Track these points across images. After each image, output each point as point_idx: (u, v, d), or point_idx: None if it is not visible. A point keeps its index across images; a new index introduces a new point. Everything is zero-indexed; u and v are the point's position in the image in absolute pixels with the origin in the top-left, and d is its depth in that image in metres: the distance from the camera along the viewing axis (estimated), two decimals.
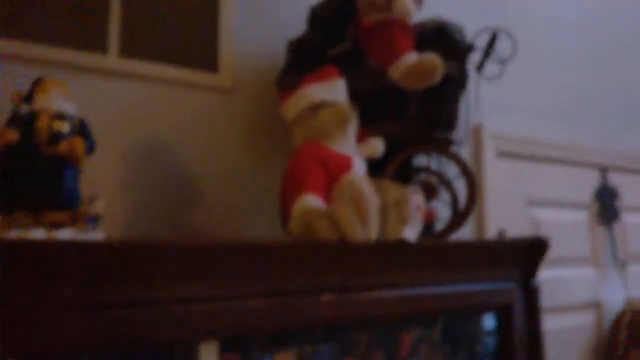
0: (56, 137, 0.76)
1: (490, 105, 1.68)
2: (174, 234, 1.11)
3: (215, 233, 1.16)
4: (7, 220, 0.72)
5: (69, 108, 0.79)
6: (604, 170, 2.09)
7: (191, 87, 1.16)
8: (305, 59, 1.12)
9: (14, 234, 0.70)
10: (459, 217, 1.11)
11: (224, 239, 1.08)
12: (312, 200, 0.87)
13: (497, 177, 1.70)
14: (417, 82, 1.04)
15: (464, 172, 1.10)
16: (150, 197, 1.10)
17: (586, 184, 2.02)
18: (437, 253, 0.98)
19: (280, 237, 0.99)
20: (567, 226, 1.92)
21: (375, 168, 1.09)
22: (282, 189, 0.95)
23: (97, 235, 0.77)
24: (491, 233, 1.66)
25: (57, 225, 0.74)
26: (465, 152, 1.48)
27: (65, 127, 0.77)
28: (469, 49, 1.15)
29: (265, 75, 1.24)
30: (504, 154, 1.73)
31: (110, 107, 1.07)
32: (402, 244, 0.90)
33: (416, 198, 0.96)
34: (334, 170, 0.93)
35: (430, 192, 1.11)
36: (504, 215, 1.70)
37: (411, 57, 1.05)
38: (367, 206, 0.83)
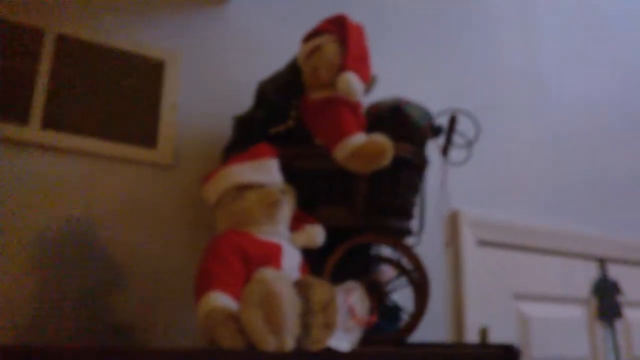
0: None
1: (468, 190, 1.57)
2: (88, 327, 0.98)
3: (138, 329, 1.03)
4: None
5: None
6: (602, 262, 1.93)
7: (123, 162, 1.07)
8: (247, 136, 1.03)
9: None
10: (409, 322, 0.96)
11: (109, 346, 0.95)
12: (218, 299, 0.75)
13: (477, 268, 1.56)
14: (363, 165, 0.94)
15: (416, 267, 0.97)
16: (66, 283, 0.98)
17: (582, 276, 1.85)
18: None
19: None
20: (561, 323, 1.74)
21: (320, 260, 0.97)
22: (194, 284, 0.83)
23: None
24: (472, 331, 1.50)
25: None
26: (436, 241, 1.35)
27: None
28: (428, 130, 1.05)
29: (209, 151, 1.15)
30: (485, 243, 1.60)
31: (29, 181, 0.98)
32: (327, 354, 0.76)
33: (351, 298, 0.83)
34: (256, 262, 0.81)
35: (375, 291, 0.98)
36: (486, 311, 1.54)
37: (357, 138, 0.95)
38: (280, 309, 0.70)
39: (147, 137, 1.09)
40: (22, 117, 0.97)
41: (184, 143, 1.14)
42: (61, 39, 1.03)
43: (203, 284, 0.78)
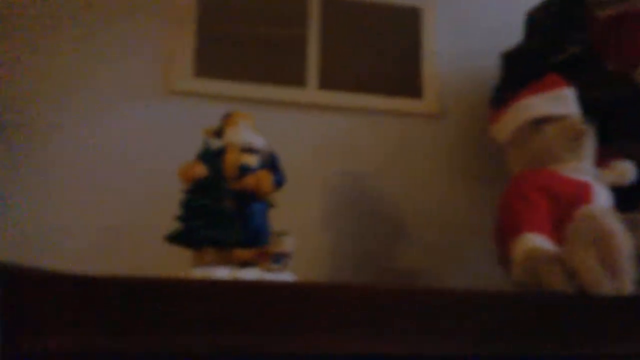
0: (243, 171, 0.72)
1: None
2: (374, 274, 1.01)
3: (422, 275, 1.03)
4: (197, 257, 0.70)
5: (258, 141, 0.75)
6: None
7: (393, 115, 1.07)
8: (522, 70, 0.94)
9: (199, 271, 0.66)
10: None
11: (426, 286, 0.94)
12: (535, 240, 0.69)
13: None
14: None
15: None
16: (349, 233, 1.02)
17: None
18: None
19: (501, 283, 0.82)
20: None
21: (628, 199, 0.85)
22: (497, 226, 0.78)
23: (284, 275, 0.70)
24: None
25: (244, 264, 0.69)
26: None
27: (252, 161, 0.73)
28: None
29: (475, 96, 1.09)
30: None
31: (309, 140, 1.03)
32: None
33: None
34: (565, 202, 0.73)
35: None
36: None
37: None
38: (616, 248, 0.61)
39: (412, 88, 1.07)
40: (299, 80, 1.03)
41: (448, 91, 1.10)
42: (326, 1, 1.06)
43: (513, 226, 0.72)
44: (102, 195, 0.97)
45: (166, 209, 0.98)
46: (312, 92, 1.03)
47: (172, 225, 0.66)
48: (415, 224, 1.05)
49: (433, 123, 1.09)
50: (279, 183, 0.74)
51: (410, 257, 1.03)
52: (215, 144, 0.74)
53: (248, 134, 0.75)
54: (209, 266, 0.68)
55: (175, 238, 0.68)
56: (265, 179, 0.71)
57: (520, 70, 0.95)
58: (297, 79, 1.03)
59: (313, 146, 1.03)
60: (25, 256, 0.91)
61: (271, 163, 0.75)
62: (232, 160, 0.72)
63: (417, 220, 1.05)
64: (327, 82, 1.03)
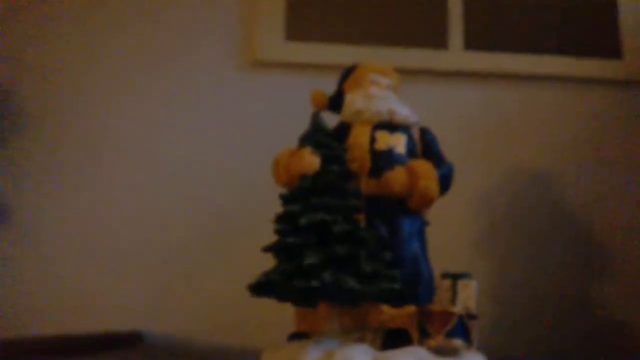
0: (385, 162, 0.40)
1: None
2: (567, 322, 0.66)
3: (629, 327, 0.67)
4: (305, 318, 0.39)
5: (405, 111, 0.43)
6: None
7: (578, 83, 0.74)
8: None
9: (315, 353, 0.35)
10: None
11: None
12: None
13: None
14: None
15: None
16: (518, 262, 0.69)
17: None
18: None
19: None
20: None
21: None
22: None
23: None
24: None
25: (392, 334, 0.37)
26: None
27: (399, 144, 0.41)
28: None
29: None
30: None
31: (453, 120, 0.72)
32: None
33: None
34: None
35: None
36: None
37: None
38: None
39: (606, 44, 0.73)
40: (438, 40, 0.72)
41: None
42: None
43: None
44: (167, 193, 0.69)
45: (253, 215, 0.71)
46: (456, 54, 0.71)
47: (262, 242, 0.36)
48: (618, 249, 0.70)
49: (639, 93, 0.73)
50: (445, 182, 0.42)
51: (613, 300, 0.68)
52: (330, 119, 0.44)
53: (387, 99, 0.43)
54: (329, 339, 0.36)
55: (266, 288, 0.36)
56: (427, 176, 0.39)
57: None
58: (435, 38, 0.72)
59: (459, 128, 0.71)
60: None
61: (427, 147, 0.43)
62: (362, 142, 0.41)
63: (621, 243, 0.70)
64: (476, 40, 0.71)
